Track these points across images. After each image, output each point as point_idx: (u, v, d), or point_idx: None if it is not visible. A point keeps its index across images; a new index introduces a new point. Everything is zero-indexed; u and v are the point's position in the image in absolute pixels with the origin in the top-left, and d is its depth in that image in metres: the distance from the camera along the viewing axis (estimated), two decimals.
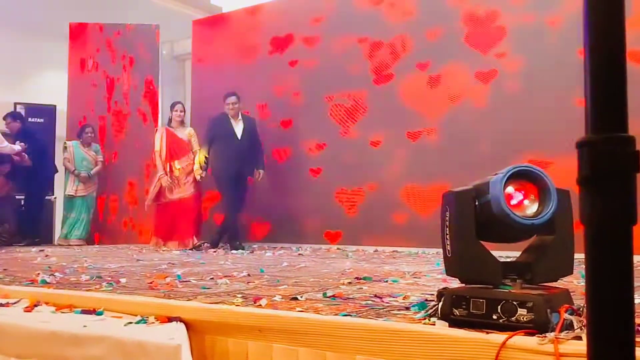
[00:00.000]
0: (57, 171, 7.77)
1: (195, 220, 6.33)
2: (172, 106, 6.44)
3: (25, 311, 2.28)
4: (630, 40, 0.63)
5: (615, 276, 0.61)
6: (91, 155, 7.43)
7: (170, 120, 6.40)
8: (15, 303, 2.42)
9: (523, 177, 1.63)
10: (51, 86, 9.65)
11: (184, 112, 6.48)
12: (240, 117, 6.32)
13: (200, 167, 6.22)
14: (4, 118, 7.56)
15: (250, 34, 7.16)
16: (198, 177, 6.23)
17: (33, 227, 7.43)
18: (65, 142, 7.50)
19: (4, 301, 2.44)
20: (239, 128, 6.26)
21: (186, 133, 6.39)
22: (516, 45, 5.33)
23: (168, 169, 6.24)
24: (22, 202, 7.52)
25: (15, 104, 8.04)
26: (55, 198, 8.24)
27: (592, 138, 0.62)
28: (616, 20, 0.61)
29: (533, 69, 5.21)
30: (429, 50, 5.80)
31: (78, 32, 8.10)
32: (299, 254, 5.34)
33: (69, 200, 7.35)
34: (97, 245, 7.16)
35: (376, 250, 5.71)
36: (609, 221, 0.61)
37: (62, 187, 7.85)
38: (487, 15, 5.50)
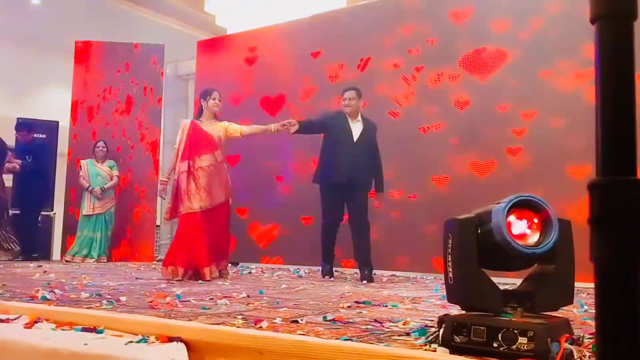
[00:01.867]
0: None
1: (224, 241, 4.96)
2: (206, 94, 5.01)
3: (25, 327, 2.28)
4: None
5: (623, 314, 0.63)
6: (105, 170, 7.43)
7: (200, 112, 5.03)
8: (15, 319, 2.41)
9: (525, 207, 1.65)
10: (54, 102, 9.73)
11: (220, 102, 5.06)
12: (359, 117, 5.19)
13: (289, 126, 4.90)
14: (20, 128, 7.56)
15: (253, 57, 7.23)
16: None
17: (29, 243, 7.42)
18: (80, 162, 7.54)
19: (3, 317, 2.44)
20: (357, 129, 5.14)
21: (218, 127, 4.97)
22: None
23: (186, 168, 4.79)
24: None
25: (19, 119, 8.08)
26: (54, 214, 8.24)
27: (602, 180, 0.65)
28: (626, 65, 0.64)
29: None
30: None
31: (84, 50, 8.18)
32: (298, 277, 5.34)
33: (86, 218, 7.32)
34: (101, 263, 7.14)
35: (374, 274, 5.71)
36: (617, 261, 0.63)
37: (61, 204, 7.88)
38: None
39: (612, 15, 0.65)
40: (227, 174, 4.98)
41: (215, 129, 4.96)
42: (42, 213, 7.87)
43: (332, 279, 5.05)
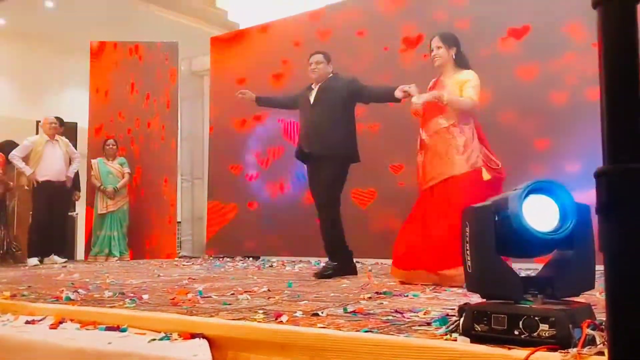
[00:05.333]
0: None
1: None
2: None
3: (50, 328, 2.32)
4: None
5: (633, 299, 0.62)
6: (116, 168, 7.50)
7: None
8: (40, 320, 2.46)
9: (542, 192, 1.63)
10: (73, 103, 9.82)
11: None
12: (324, 81, 4.44)
13: None
14: (58, 119, 7.35)
15: (267, 50, 7.23)
16: None
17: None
18: (91, 161, 7.59)
19: (29, 318, 2.49)
20: (315, 91, 4.45)
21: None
22: None
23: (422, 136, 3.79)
24: None
25: (37, 122, 8.17)
26: (77, 214, 8.34)
27: (609, 168, 0.64)
28: (630, 49, 0.63)
29: None
30: None
31: (99, 50, 8.24)
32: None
33: (100, 217, 7.39)
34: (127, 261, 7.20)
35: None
36: (626, 248, 0.62)
37: (84, 204, 7.96)
38: None
39: None
40: None
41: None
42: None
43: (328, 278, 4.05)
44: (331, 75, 4.50)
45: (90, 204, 7.70)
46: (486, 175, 3.53)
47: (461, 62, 3.77)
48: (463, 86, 3.66)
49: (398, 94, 3.95)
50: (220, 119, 7.62)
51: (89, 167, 7.72)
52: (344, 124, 4.33)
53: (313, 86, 4.51)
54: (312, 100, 4.41)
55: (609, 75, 0.64)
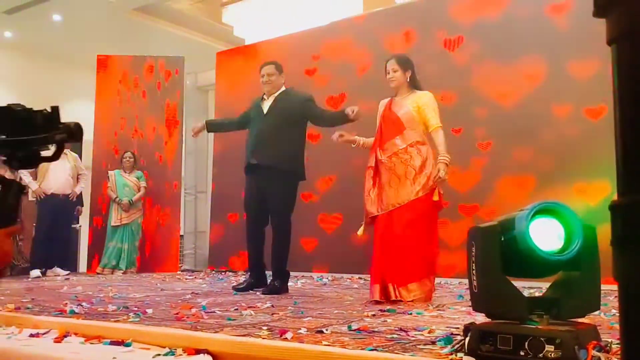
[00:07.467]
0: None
1: (422, 248, 3.61)
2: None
3: (55, 342, 2.32)
4: None
5: None
6: (133, 181, 7.50)
7: None
8: (45, 333, 2.46)
9: (549, 213, 1.64)
10: (78, 116, 9.81)
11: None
12: (279, 92, 4.50)
13: None
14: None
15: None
16: None
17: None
18: (108, 173, 7.62)
19: (34, 331, 2.49)
20: (269, 102, 4.46)
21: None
22: None
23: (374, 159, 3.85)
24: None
25: None
26: (80, 226, 8.34)
27: (624, 200, 0.65)
28: None
29: None
30: None
31: (105, 64, 8.30)
32: (322, 284, 5.33)
33: (113, 229, 7.42)
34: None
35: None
36: None
37: (86, 216, 7.97)
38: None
39: (629, 35, 0.65)
40: None
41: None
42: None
43: (258, 294, 4.16)
44: (284, 87, 4.55)
45: (94, 216, 7.72)
46: (436, 197, 3.69)
47: (414, 84, 3.92)
48: (421, 108, 3.78)
49: (349, 112, 4.13)
50: (224, 133, 7.63)
51: (94, 179, 7.74)
52: (295, 140, 4.39)
53: (265, 97, 4.52)
54: (265, 110, 4.44)
55: (623, 109, 0.65)
